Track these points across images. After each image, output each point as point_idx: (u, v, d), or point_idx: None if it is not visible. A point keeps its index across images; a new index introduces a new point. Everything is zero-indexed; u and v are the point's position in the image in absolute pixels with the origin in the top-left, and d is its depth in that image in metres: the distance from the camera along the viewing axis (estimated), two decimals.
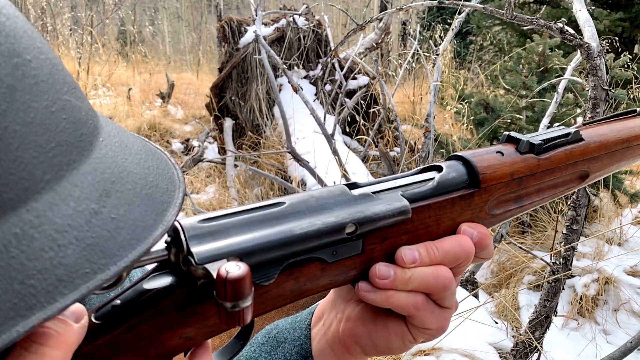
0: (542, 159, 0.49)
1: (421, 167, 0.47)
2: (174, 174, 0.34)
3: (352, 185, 0.43)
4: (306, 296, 0.40)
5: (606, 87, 1.61)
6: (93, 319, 0.33)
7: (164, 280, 0.35)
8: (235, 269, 0.30)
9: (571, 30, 1.64)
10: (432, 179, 0.45)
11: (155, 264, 0.35)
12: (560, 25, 1.64)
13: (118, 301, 0.34)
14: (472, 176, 0.46)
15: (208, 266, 0.32)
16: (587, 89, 1.67)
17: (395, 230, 0.42)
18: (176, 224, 0.35)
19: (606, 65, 1.64)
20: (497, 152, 0.48)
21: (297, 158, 2.75)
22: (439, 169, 0.46)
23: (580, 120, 3.43)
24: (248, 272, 0.30)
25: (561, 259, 1.62)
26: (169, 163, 0.35)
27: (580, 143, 0.52)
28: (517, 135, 0.50)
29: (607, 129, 0.56)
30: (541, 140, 0.49)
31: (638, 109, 0.62)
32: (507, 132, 0.51)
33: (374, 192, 0.42)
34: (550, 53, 3.52)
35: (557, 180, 0.51)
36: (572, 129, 0.52)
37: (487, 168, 0.46)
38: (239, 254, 0.34)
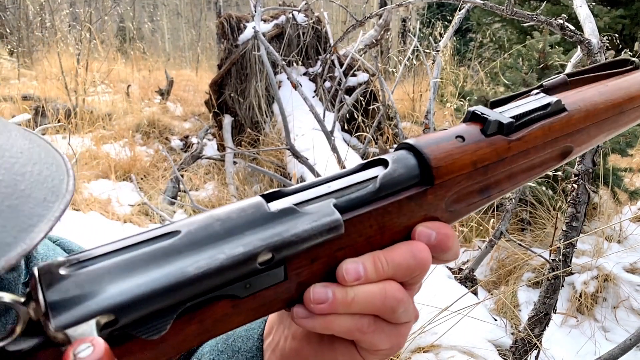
0: (514, 140, 0.40)
1: (364, 162, 0.39)
2: (61, 182, 0.29)
3: (275, 195, 0.35)
4: (217, 335, 0.33)
5: None
6: None
7: (31, 342, 0.27)
8: (87, 351, 0.24)
9: (571, 27, 1.64)
10: (375, 177, 0.37)
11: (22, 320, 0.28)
12: (561, 21, 1.63)
13: None
14: (424, 170, 0.38)
15: (70, 332, 0.26)
16: None
17: (326, 248, 0.34)
18: (35, 271, 0.27)
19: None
20: (457, 136, 0.39)
21: (296, 155, 2.74)
22: (384, 163, 0.38)
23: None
24: (106, 351, 0.24)
25: (560, 256, 1.62)
26: (63, 169, 0.30)
27: (561, 115, 0.43)
28: (484, 112, 0.41)
29: (594, 91, 0.46)
30: (512, 118, 0.41)
31: (636, 60, 0.51)
32: (471, 109, 0.41)
33: (300, 203, 0.34)
34: (550, 50, 3.51)
35: (532, 162, 0.43)
36: (553, 98, 0.43)
37: (443, 159, 0.37)
38: (112, 311, 0.27)
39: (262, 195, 0.35)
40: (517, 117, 0.41)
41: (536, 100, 0.43)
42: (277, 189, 0.36)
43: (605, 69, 0.50)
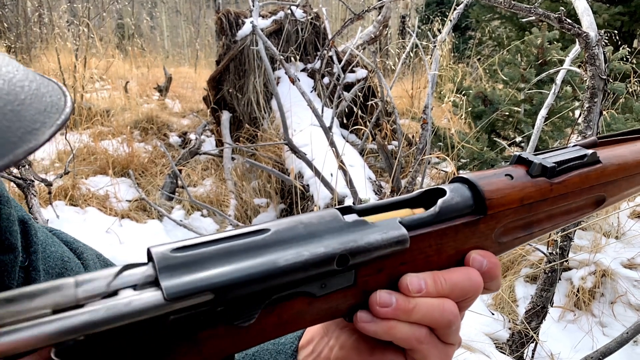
0: (555, 183, 0.45)
1: (422, 190, 0.44)
2: (59, 100, 0.30)
3: (346, 210, 0.39)
4: (290, 332, 0.37)
5: (604, 77, 1.60)
6: (53, 356, 0.28)
7: None
8: None
9: (569, 20, 1.63)
10: (433, 204, 0.41)
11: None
12: (559, 14, 1.63)
13: (81, 337, 0.28)
14: (478, 201, 0.42)
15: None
16: (585, 79, 1.66)
17: (391, 260, 0.38)
18: (147, 249, 0.32)
19: (604, 54, 1.63)
20: (506, 174, 0.44)
21: (294, 150, 2.74)
22: (441, 192, 0.42)
23: (577, 113, 3.42)
24: None
25: (557, 249, 1.62)
26: (58, 90, 0.32)
27: (596, 166, 0.48)
28: (529, 157, 0.46)
29: (625, 149, 0.52)
30: (554, 163, 0.45)
31: None
32: (517, 153, 0.47)
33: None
34: (548, 46, 3.51)
35: (570, 206, 0.47)
36: (589, 151, 0.48)
37: (495, 193, 0.42)
38: (213, 289, 0.31)
39: (337, 208, 0.39)
40: (558, 163, 0.46)
41: (574, 151, 0.48)
42: (348, 205, 0.40)
43: (633, 134, 0.56)
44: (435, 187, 0.43)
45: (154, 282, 0.31)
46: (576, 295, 2.73)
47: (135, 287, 0.31)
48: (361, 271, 0.37)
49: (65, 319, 0.27)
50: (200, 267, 0.31)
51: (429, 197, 0.43)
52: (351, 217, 0.38)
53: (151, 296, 0.30)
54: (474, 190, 0.42)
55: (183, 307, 0.30)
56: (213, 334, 0.32)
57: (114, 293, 0.30)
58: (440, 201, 0.41)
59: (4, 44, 7.67)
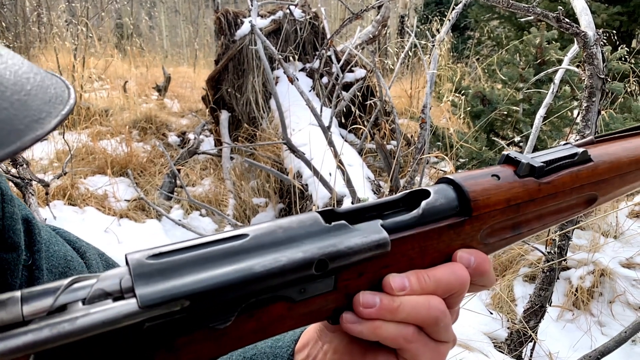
0: (544, 183, 0.44)
1: (407, 191, 0.43)
2: (63, 92, 0.31)
3: (329, 213, 0.39)
4: (271, 336, 0.37)
5: (602, 76, 1.60)
6: None
7: None
8: None
9: (567, 20, 1.63)
10: (418, 205, 0.41)
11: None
12: (557, 14, 1.63)
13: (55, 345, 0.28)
14: (462, 202, 0.41)
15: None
16: (583, 78, 1.66)
17: (373, 264, 0.38)
18: (124, 256, 0.32)
19: (603, 54, 1.63)
20: (493, 175, 0.43)
21: (293, 149, 2.74)
22: (426, 194, 0.42)
23: (576, 112, 3.42)
24: None
25: (556, 248, 1.62)
26: (63, 84, 0.33)
27: (588, 164, 0.47)
28: (517, 156, 0.45)
29: (619, 146, 0.50)
30: (543, 162, 0.44)
31: None
32: (505, 153, 0.46)
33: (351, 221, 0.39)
34: (547, 45, 3.51)
35: (560, 206, 0.47)
36: (579, 149, 0.47)
37: (480, 194, 0.41)
38: (188, 296, 0.30)
39: (318, 212, 0.39)
40: (547, 163, 0.45)
41: (564, 150, 0.47)
42: (330, 208, 0.40)
43: (631, 131, 0.55)
44: (419, 188, 0.42)
45: (130, 289, 0.31)
46: (575, 294, 2.74)
47: (84, 300, 0.30)
48: (342, 275, 0.37)
49: (8, 338, 0.26)
50: (176, 274, 0.31)
51: (414, 198, 0.42)
52: (333, 221, 0.38)
53: (126, 304, 0.29)
54: (459, 191, 0.42)
55: (158, 314, 0.30)
56: (190, 340, 0.32)
57: (62, 308, 0.29)
58: (423, 203, 0.40)
59: (3, 44, 7.65)
